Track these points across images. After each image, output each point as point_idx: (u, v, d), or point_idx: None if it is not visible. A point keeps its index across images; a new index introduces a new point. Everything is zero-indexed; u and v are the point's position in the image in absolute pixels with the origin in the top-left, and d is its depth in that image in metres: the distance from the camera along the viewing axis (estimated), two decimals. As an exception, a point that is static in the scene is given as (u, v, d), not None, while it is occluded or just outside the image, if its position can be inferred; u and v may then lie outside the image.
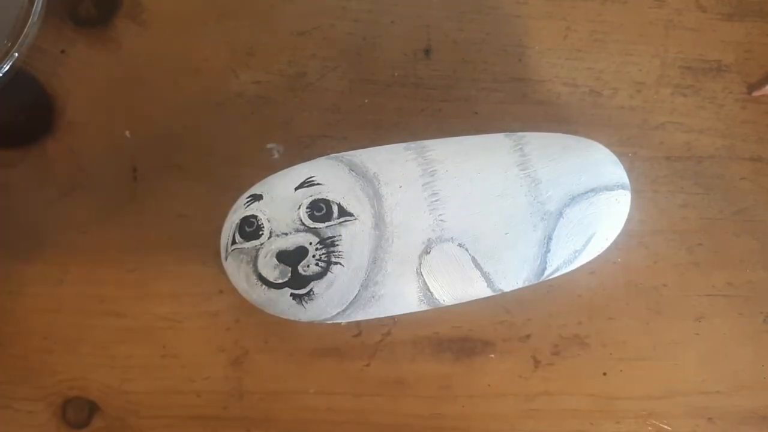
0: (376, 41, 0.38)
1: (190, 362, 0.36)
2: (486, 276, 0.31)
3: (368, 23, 0.38)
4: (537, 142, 0.32)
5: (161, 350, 0.36)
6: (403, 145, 0.32)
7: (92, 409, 0.36)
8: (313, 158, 0.32)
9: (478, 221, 0.30)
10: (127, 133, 0.36)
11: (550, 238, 0.31)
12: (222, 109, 0.37)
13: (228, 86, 0.37)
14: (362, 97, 0.37)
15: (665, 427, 0.37)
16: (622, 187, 0.32)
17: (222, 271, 0.31)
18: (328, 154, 0.32)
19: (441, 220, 0.30)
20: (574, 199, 0.31)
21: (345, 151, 0.32)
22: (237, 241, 0.30)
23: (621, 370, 0.37)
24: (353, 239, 0.30)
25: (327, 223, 0.29)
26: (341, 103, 0.37)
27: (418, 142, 0.32)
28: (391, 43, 0.38)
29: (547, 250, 0.31)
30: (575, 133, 0.35)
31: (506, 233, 0.31)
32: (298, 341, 0.36)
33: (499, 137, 0.33)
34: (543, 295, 0.37)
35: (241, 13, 0.37)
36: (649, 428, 0.37)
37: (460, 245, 0.30)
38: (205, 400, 0.36)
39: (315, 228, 0.29)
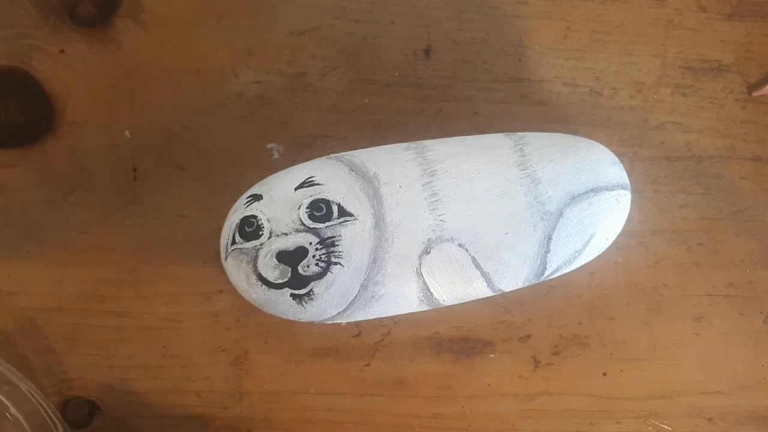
0: (376, 41, 0.38)
1: (190, 362, 0.36)
2: (486, 276, 0.31)
3: (368, 23, 0.38)
4: (537, 142, 0.32)
5: (161, 350, 0.36)
6: (403, 145, 0.32)
7: (92, 409, 0.36)
8: (313, 158, 0.32)
9: (478, 221, 0.30)
10: (127, 133, 0.36)
11: (550, 238, 0.31)
12: (222, 109, 0.37)
13: (228, 86, 0.37)
14: (362, 97, 0.37)
15: (665, 427, 0.37)
16: (622, 187, 0.32)
17: (222, 271, 0.31)
18: (328, 154, 0.32)
19: (441, 220, 0.30)
20: (574, 199, 0.31)
21: (345, 151, 0.32)
22: (237, 241, 0.30)
23: (621, 370, 0.37)
24: (353, 239, 0.30)
25: (327, 223, 0.29)
26: (341, 103, 0.37)
27: (418, 142, 0.32)
28: (391, 43, 0.38)
29: (547, 250, 0.31)
30: (575, 133, 0.35)
31: (506, 233, 0.31)
32: (298, 341, 0.36)
33: (499, 137, 0.33)
34: (543, 295, 0.37)
35: (241, 13, 0.37)
36: (649, 428, 0.37)
37: (460, 245, 0.30)
38: (205, 400, 0.36)
39: (315, 228, 0.29)
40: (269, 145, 0.37)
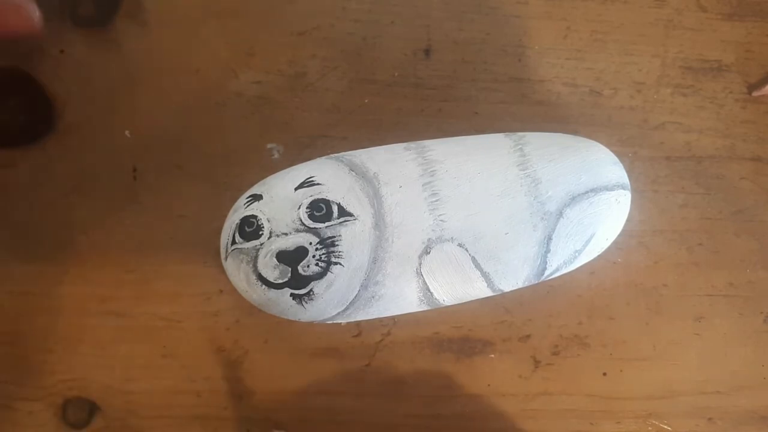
0: (376, 41, 0.38)
1: (190, 362, 0.36)
2: (486, 276, 0.31)
3: (368, 23, 0.38)
4: (537, 142, 0.32)
5: (161, 350, 0.36)
6: (403, 145, 0.32)
7: (92, 409, 0.36)
8: (313, 158, 0.32)
9: (478, 221, 0.30)
10: (127, 133, 0.36)
11: (550, 238, 0.31)
12: (222, 109, 0.37)
13: (228, 86, 0.37)
14: (362, 97, 0.37)
15: (665, 427, 0.37)
16: (622, 186, 0.32)
17: (222, 271, 0.31)
18: (328, 154, 0.32)
19: (441, 220, 0.30)
20: (574, 199, 0.31)
21: (345, 150, 0.32)
22: (237, 241, 0.30)
23: (621, 370, 0.37)
24: (353, 239, 0.30)
25: (327, 223, 0.29)
26: (341, 103, 0.37)
27: (418, 142, 0.32)
28: (391, 43, 0.38)
29: (547, 250, 0.31)
30: (575, 133, 0.35)
31: (506, 233, 0.31)
32: (298, 341, 0.36)
33: (499, 137, 0.33)
34: (543, 295, 0.37)
35: (241, 13, 0.37)
36: (649, 428, 0.37)
37: (460, 245, 0.30)
38: (205, 400, 0.36)
39: (315, 228, 0.29)
40: (269, 145, 0.37)
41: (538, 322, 0.37)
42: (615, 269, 0.37)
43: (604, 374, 0.37)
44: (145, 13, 0.37)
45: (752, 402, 0.37)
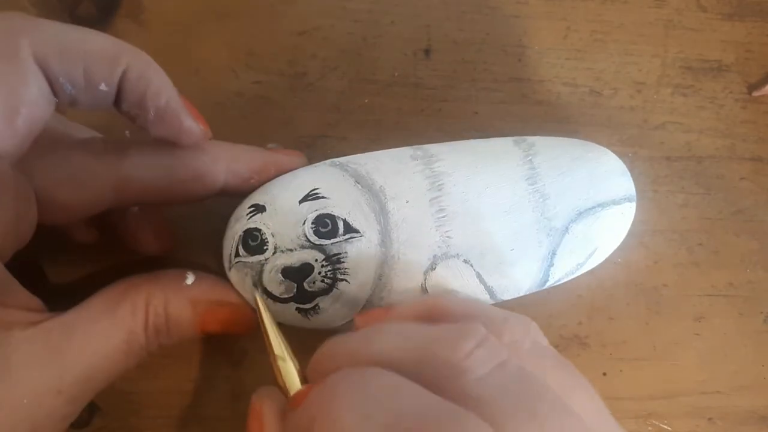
0: (376, 41, 0.37)
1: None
2: (490, 290, 0.31)
3: (368, 23, 0.38)
4: (547, 152, 0.32)
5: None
6: (410, 152, 0.32)
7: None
8: (314, 159, 0.32)
9: (484, 237, 0.30)
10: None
11: (554, 254, 0.31)
12: (222, 109, 0.37)
13: (228, 86, 0.37)
14: (362, 97, 0.37)
15: (665, 427, 0.37)
16: (629, 199, 0.32)
17: (222, 272, 0.31)
18: (329, 155, 0.32)
19: (447, 236, 0.30)
20: (581, 214, 0.31)
21: (345, 151, 0.32)
22: (241, 254, 0.29)
23: (621, 370, 0.37)
24: (359, 256, 0.29)
25: (333, 240, 0.29)
26: (341, 103, 0.37)
27: (425, 149, 0.32)
28: (391, 43, 0.38)
29: (551, 264, 0.31)
30: (575, 132, 0.36)
31: (512, 249, 0.30)
32: (299, 342, 0.36)
33: (508, 144, 0.32)
34: (543, 295, 0.36)
35: (241, 13, 0.37)
36: (649, 428, 0.37)
37: (465, 261, 0.30)
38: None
39: (320, 245, 0.29)
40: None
41: (538, 322, 0.36)
42: (615, 269, 0.37)
43: (604, 374, 0.37)
44: (145, 13, 0.37)
45: (752, 402, 0.37)
